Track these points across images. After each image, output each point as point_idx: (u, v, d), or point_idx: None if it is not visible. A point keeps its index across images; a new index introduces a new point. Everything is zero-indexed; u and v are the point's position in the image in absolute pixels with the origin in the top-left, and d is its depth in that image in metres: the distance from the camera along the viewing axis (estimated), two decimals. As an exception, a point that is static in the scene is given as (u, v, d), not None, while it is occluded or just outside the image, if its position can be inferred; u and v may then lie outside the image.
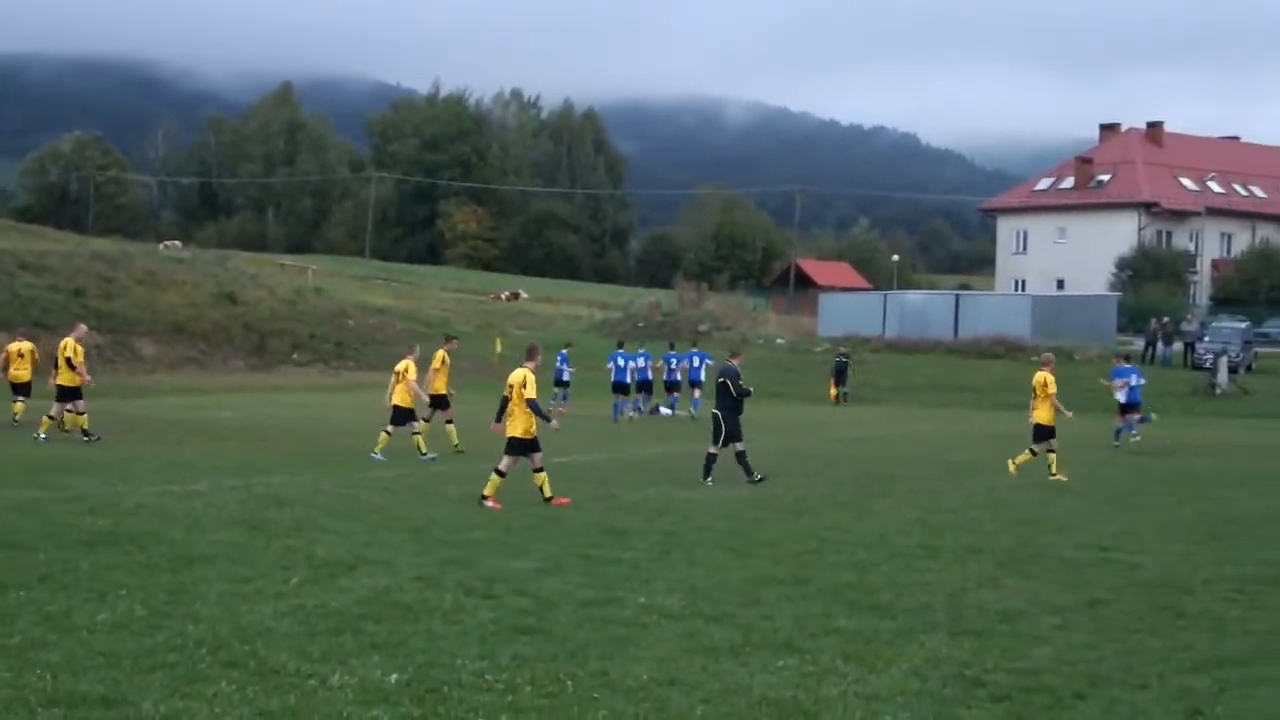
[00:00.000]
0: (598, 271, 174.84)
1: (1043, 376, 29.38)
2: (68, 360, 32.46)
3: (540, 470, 22.63)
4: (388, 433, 30.17)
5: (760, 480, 25.95)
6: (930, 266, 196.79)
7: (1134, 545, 19.30)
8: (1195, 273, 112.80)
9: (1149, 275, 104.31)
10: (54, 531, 17.80)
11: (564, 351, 49.17)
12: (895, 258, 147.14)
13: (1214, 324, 76.97)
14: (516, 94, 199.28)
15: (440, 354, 32.66)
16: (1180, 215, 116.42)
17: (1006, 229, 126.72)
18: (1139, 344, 74.72)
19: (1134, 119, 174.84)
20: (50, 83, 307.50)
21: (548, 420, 22.89)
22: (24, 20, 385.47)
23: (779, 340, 78.65)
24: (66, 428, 32.82)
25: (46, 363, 36.68)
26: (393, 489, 24.06)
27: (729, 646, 12.53)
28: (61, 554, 16.18)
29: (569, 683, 11.14)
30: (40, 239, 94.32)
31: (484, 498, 22.09)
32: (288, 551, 16.91)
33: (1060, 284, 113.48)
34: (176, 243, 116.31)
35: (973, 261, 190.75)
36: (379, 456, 29.42)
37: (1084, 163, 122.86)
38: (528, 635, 12.76)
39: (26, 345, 36.45)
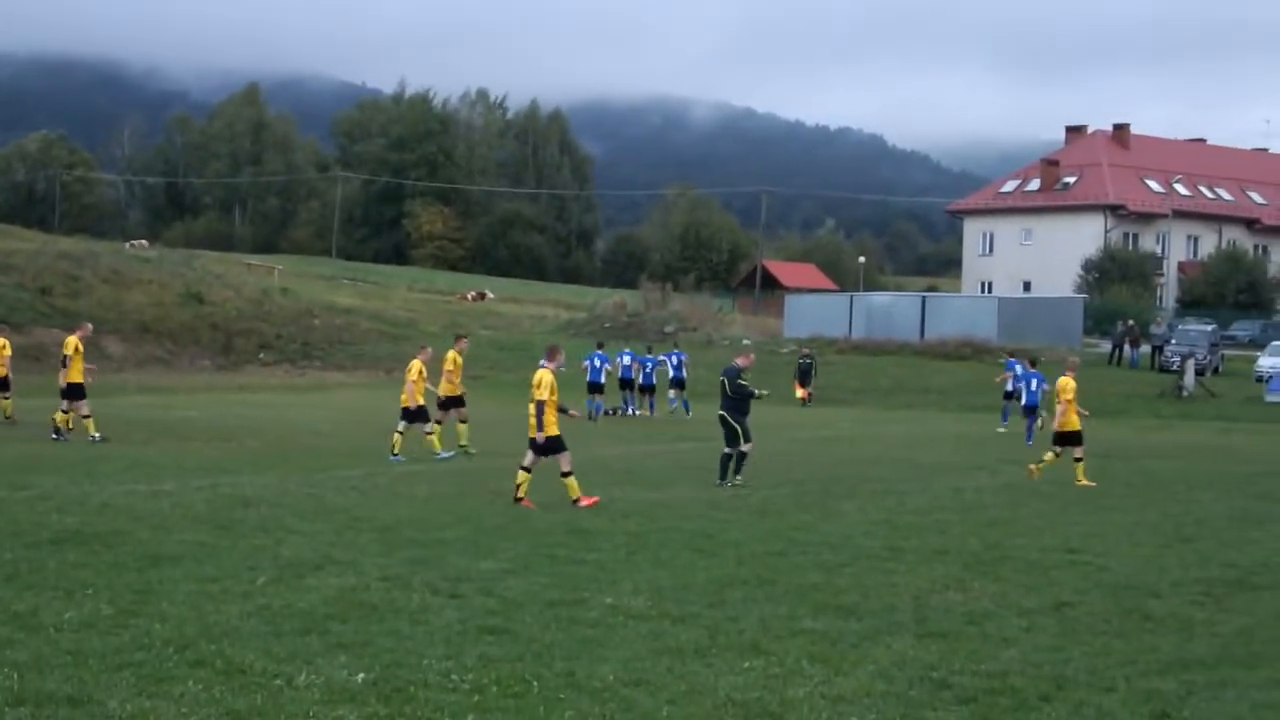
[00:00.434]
0: (563, 272, 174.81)
1: (1064, 381, 29.30)
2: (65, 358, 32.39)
3: (568, 473, 22.76)
4: (400, 432, 30.11)
5: (731, 486, 25.91)
6: (897, 268, 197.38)
7: (1101, 547, 19.36)
8: (1162, 275, 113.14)
9: (1115, 277, 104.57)
10: (20, 530, 17.73)
11: (600, 352, 48.98)
12: (862, 259, 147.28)
13: (1181, 327, 77.31)
14: (483, 94, 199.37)
15: (451, 354, 32.38)
16: (1146, 218, 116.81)
17: (973, 231, 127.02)
18: (1105, 346, 75.06)
19: (1100, 121, 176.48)
20: (15, 81, 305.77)
21: (567, 411, 23.22)
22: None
23: (745, 341, 78.56)
24: (58, 423, 32.45)
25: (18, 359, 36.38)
26: (360, 488, 24.02)
27: (695, 647, 12.54)
28: (28, 553, 16.12)
29: (535, 683, 11.14)
30: (6, 238, 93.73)
31: (575, 501, 22.35)
32: (254, 551, 16.88)
33: (1027, 286, 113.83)
34: (144, 242, 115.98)
35: (939, 263, 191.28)
36: (395, 459, 29.40)
37: (1050, 165, 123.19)
38: (494, 635, 12.76)
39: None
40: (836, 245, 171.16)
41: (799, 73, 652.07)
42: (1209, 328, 75.95)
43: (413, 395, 30.17)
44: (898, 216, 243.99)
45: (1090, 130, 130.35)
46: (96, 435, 31.23)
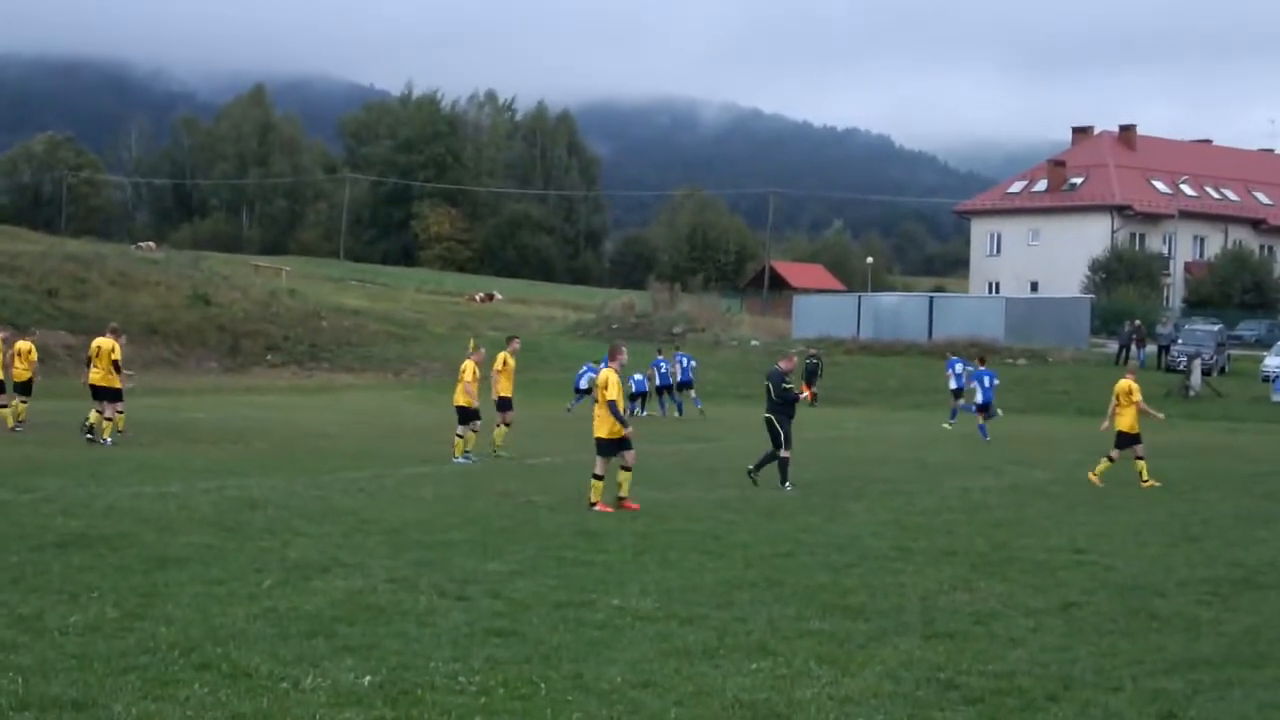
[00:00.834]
0: (572, 273, 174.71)
1: (1126, 384, 29.30)
2: (115, 363, 32.24)
3: (627, 469, 22.78)
4: (460, 435, 30.13)
5: (755, 481, 26.07)
6: (905, 269, 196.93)
7: (1107, 548, 19.35)
8: (1168, 275, 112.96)
9: (1122, 278, 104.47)
10: (25, 533, 17.74)
11: (660, 359, 49.71)
12: (869, 260, 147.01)
13: (1187, 326, 77.23)
14: (491, 95, 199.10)
15: (502, 356, 32.39)
16: (1153, 218, 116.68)
17: (980, 231, 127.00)
18: (1112, 346, 74.97)
19: (1106, 122, 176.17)
20: (22, 83, 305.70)
21: (625, 425, 22.95)
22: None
23: (753, 342, 78.64)
24: (89, 423, 32.34)
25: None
26: (367, 490, 24.01)
27: (702, 649, 12.52)
28: (33, 556, 16.12)
29: (542, 685, 11.11)
30: (13, 239, 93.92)
31: (592, 504, 22.36)
32: (261, 554, 16.86)
33: (1034, 286, 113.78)
34: (151, 244, 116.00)
35: (947, 264, 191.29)
36: (461, 460, 29.45)
37: (1057, 165, 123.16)
38: (501, 637, 12.73)
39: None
40: (844, 246, 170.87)
41: (807, 73, 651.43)
42: (1215, 328, 75.82)
43: (472, 395, 30.20)
44: (905, 217, 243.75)
45: (1097, 131, 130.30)
46: (108, 439, 31.26)
